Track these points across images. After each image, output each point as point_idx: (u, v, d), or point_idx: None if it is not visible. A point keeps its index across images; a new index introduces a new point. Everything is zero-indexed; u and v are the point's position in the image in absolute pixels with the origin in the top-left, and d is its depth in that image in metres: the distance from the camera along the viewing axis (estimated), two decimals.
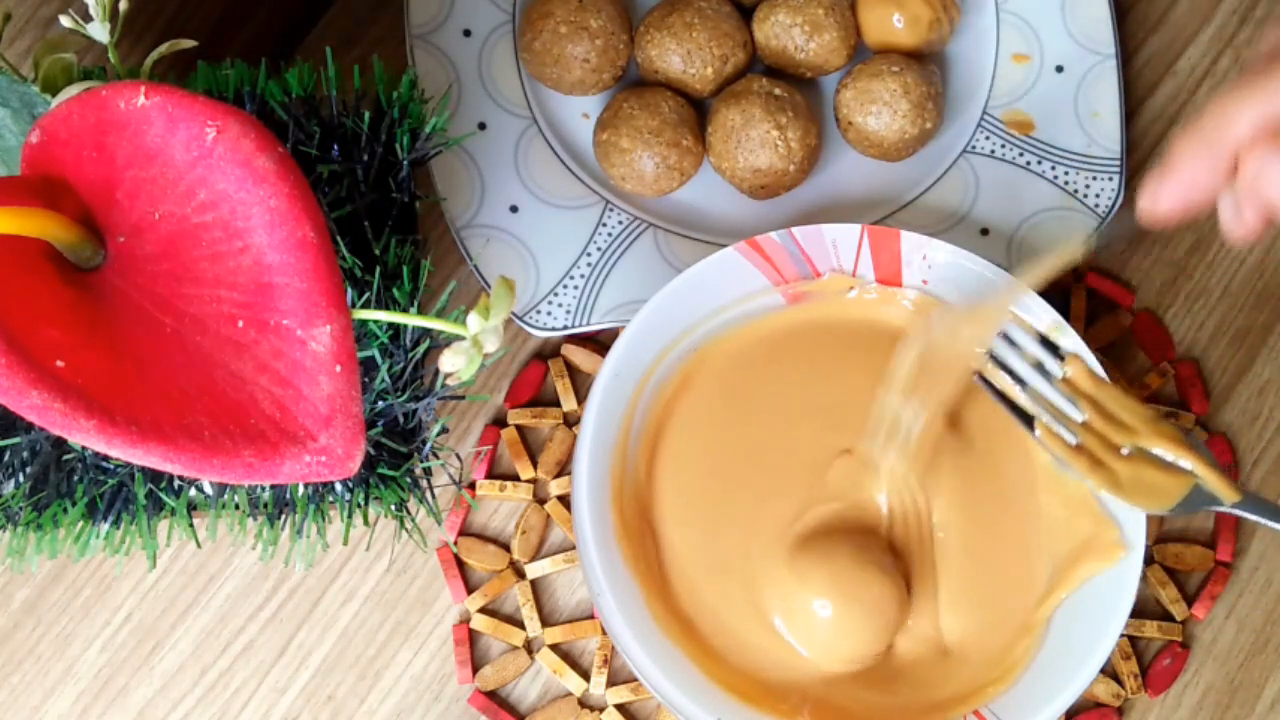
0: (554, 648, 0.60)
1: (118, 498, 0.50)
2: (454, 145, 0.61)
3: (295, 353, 0.38)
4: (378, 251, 0.51)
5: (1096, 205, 0.62)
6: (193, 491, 0.52)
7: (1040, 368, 0.53)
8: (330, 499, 0.51)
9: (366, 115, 0.52)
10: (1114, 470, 0.49)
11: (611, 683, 0.60)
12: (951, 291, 0.57)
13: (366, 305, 0.50)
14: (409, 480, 0.52)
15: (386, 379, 0.49)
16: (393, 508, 0.52)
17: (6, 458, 0.50)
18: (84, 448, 0.49)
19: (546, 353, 0.63)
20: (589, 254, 0.61)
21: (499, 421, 0.62)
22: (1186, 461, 0.49)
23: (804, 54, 0.61)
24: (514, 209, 0.62)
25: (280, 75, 0.53)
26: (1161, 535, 0.61)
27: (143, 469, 0.50)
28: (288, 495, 0.51)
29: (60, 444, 0.50)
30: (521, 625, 0.60)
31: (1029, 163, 0.63)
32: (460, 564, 0.61)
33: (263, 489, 0.51)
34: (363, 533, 0.60)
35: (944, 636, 0.56)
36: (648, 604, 0.55)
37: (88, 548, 0.51)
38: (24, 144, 0.41)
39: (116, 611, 0.60)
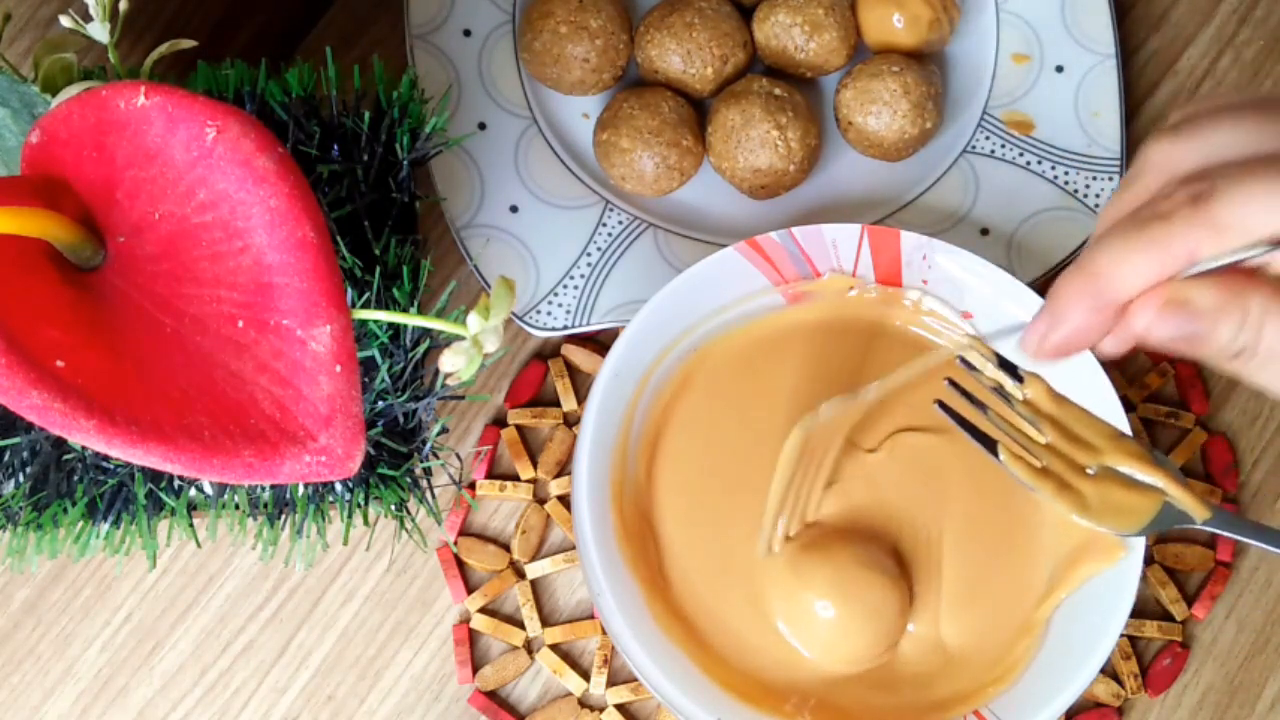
0: (554, 648, 0.60)
1: (118, 498, 0.50)
2: (454, 145, 0.61)
3: (295, 353, 0.38)
4: (378, 251, 0.51)
5: (1096, 205, 0.62)
6: (193, 491, 0.52)
7: (1000, 390, 0.51)
8: (330, 499, 0.51)
9: (366, 115, 0.52)
10: (1081, 492, 0.48)
11: (611, 683, 0.60)
12: (952, 292, 0.57)
13: (366, 305, 0.50)
14: (409, 480, 0.52)
15: (386, 379, 0.49)
16: (393, 508, 0.52)
17: (6, 458, 0.50)
18: (84, 448, 0.49)
19: (546, 353, 0.63)
20: (589, 254, 0.61)
21: (499, 421, 0.62)
22: (1154, 479, 0.48)
23: (804, 54, 0.61)
24: (514, 209, 0.62)
25: (280, 75, 0.53)
26: (1161, 535, 0.61)
27: (143, 469, 0.50)
28: (288, 495, 0.51)
29: (60, 444, 0.50)
30: (521, 625, 0.60)
31: (1029, 163, 0.63)
32: (460, 564, 0.61)
33: (263, 489, 0.51)
34: (363, 533, 0.60)
35: (944, 637, 0.56)
36: (648, 604, 0.55)
37: (88, 548, 0.51)
38: (24, 144, 0.41)
39: (116, 611, 0.60)
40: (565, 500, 0.61)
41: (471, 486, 0.61)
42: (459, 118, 0.62)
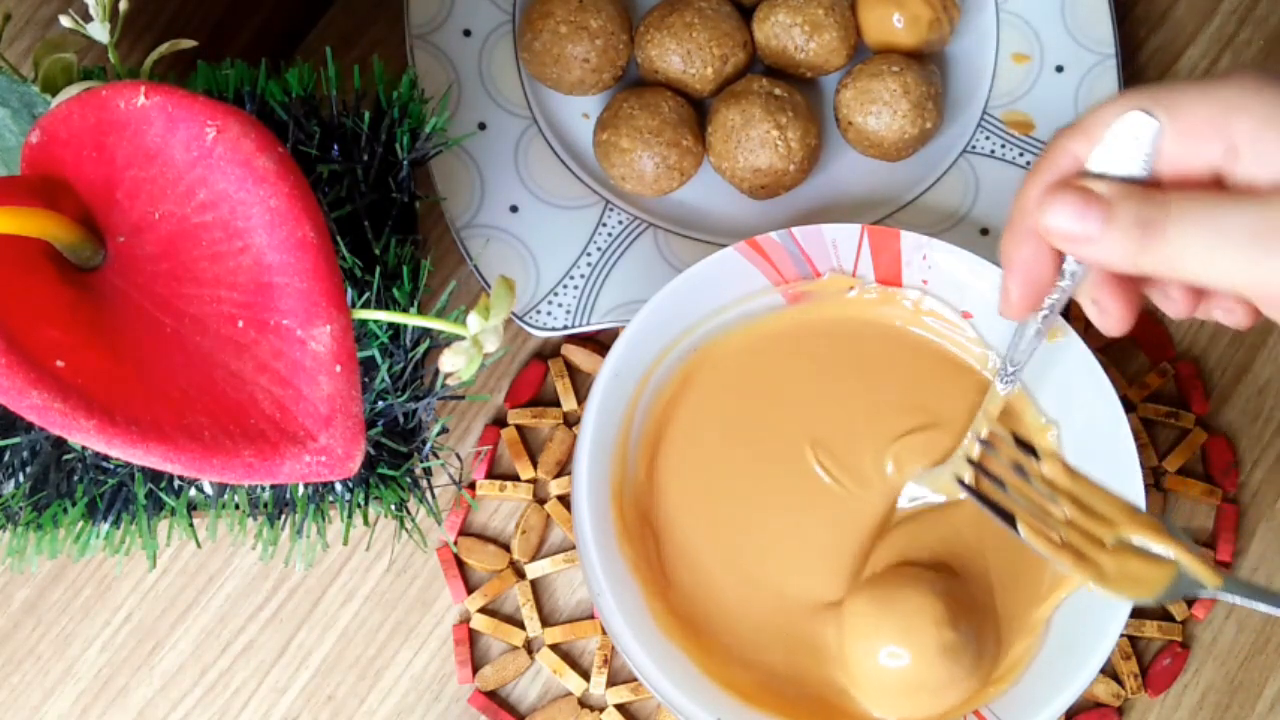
0: (554, 648, 0.60)
1: (118, 498, 0.50)
2: (454, 145, 0.61)
3: (295, 353, 0.38)
4: (378, 251, 0.51)
5: None
6: (193, 491, 0.52)
7: (1019, 468, 0.54)
8: (330, 499, 0.51)
9: (366, 115, 0.52)
10: (1099, 563, 0.51)
11: (611, 683, 0.60)
12: (952, 292, 0.57)
13: (366, 305, 0.50)
14: (409, 480, 0.52)
15: (386, 379, 0.49)
16: (393, 508, 0.52)
17: (6, 458, 0.50)
18: (84, 448, 0.49)
19: (546, 353, 0.63)
20: (589, 254, 0.61)
21: (499, 421, 0.62)
22: (1168, 550, 0.50)
23: (804, 54, 0.61)
24: (514, 209, 0.62)
25: (280, 75, 0.53)
26: None
27: (143, 469, 0.50)
28: (288, 495, 0.51)
29: (60, 444, 0.50)
30: (521, 625, 0.60)
31: (1029, 163, 0.62)
32: (460, 564, 0.61)
33: (263, 489, 0.51)
34: (363, 533, 0.60)
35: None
36: (648, 604, 0.55)
37: (88, 548, 0.51)
38: (24, 144, 0.41)
39: (116, 611, 0.60)
40: (565, 500, 0.61)
41: (471, 486, 0.61)
42: (459, 118, 0.62)
